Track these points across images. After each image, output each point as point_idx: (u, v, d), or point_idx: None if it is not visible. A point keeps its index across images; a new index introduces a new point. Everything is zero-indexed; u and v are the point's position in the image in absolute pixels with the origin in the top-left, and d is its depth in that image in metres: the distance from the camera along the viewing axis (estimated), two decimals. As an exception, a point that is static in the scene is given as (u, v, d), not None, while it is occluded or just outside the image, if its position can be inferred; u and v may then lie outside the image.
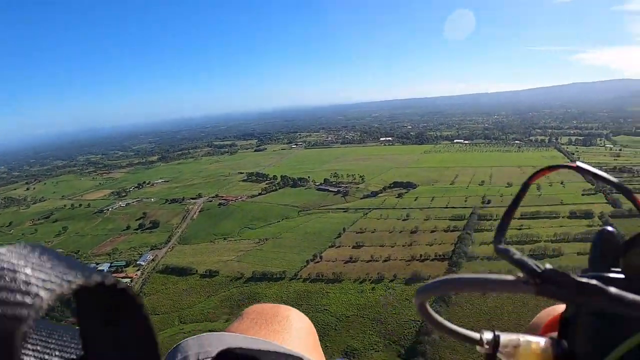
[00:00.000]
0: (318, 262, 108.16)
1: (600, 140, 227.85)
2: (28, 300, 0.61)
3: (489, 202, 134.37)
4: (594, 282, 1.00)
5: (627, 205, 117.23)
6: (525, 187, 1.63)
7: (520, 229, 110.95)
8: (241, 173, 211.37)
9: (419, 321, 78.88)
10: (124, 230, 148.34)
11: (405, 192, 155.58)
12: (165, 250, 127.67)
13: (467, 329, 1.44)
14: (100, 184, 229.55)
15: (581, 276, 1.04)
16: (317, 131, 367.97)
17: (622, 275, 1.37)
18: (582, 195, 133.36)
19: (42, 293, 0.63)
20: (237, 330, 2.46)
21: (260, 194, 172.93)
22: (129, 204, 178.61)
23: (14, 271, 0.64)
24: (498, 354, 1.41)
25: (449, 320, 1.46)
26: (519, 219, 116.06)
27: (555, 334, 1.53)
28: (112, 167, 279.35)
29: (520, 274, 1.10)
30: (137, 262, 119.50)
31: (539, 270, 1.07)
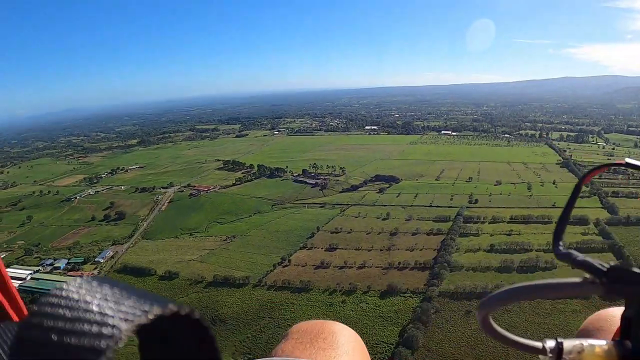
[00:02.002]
0: (286, 266, 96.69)
1: (592, 137, 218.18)
2: (106, 331, 0.62)
3: (476, 201, 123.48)
4: None
5: (623, 211, 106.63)
6: (577, 188, 1.63)
7: (509, 235, 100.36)
8: (218, 160, 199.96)
9: (392, 344, 68.39)
10: (88, 221, 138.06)
11: (388, 187, 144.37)
12: (127, 246, 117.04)
13: (529, 339, 1.40)
14: (74, 168, 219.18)
15: None
16: (302, 117, 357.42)
17: None
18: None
19: (120, 324, 0.65)
20: (284, 352, 2.45)
21: (234, 184, 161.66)
22: (98, 191, 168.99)
23: (89, 302, 0.65)
24: None
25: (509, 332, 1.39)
26: (508, 222, 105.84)
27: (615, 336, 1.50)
28: (91, 150, 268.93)
29: (587, 275, 1.10)
30: (96, 259, 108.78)
31: (604, 269, 1.07)
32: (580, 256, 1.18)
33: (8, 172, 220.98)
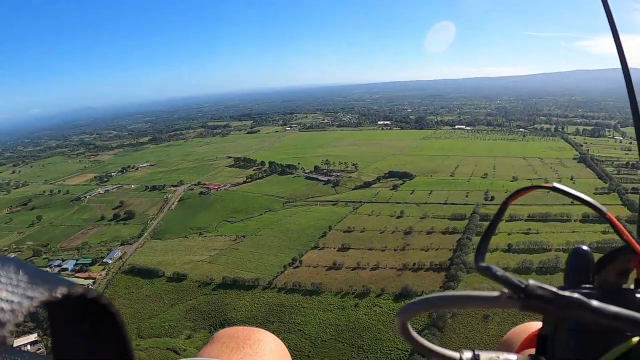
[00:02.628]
0: (297, 267, 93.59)
1: (609, 131, 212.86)
2: (6, 306, 0.59)
3: (492, 198, 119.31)
4: (576, 295, 1.02)
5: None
6: (503, 207, 1.59)
7: (527, 234, 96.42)
8: (229, 157, 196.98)
9: (407, 350, 64.97)
10: (98, 221, 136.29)
11: (401, 184, 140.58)
12: (136, 246, 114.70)
13: (449, 349, 1.42)
14: (85, 167, 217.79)
15: (562, 290, 1.06)
16: (314, 113, 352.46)
17: (596, 291, 1.44)
18: (595, 194, 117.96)
19: (23, 300, 0.61)
20: (209, 356, 2.43)
21: (245, 181, 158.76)
22: (108, 190, 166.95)
23: None
24: None
25: (430, 341, 1.42)
26: (526, 220, 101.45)
27: (532, 351, 1.52)
28: (102, 148, 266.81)
29: (505, 290, 1.11)
30: (104, 260, 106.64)
31: (523, 286, 1.08)
32: (500, 271, 1.20)
33: (20, 172, 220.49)
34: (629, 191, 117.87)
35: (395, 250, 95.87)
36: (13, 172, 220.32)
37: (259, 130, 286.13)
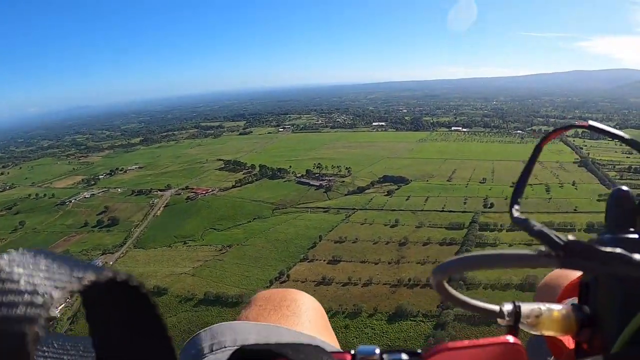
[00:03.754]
0: (284, 282, 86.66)
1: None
2: (38, 300, 0.58)
3: (491, 205, 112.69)
4: (618, 251, 0.96)
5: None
6: (538, 149, 1.55)
7: (530, 245, 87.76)
8: (220, 160, 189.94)
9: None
10: (81, 227, 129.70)
11: (396, 189, 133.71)
12: (117, 255, 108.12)
13: (487, 302, 1.40)
14: (74, 169, 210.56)
15: (603, 243, 1.03)
16: (309, 113, 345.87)
17: (638, 236, 1.31)
18: (598, 200, 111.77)
19: (52, 291, 0.61)
20: (248, 318, 2.48)
21: (234, 186, 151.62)
22: (94, 194, 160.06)
23: (19, 273, 0.61)
24: (520, 325, 1.36)
25: (468, 296, 1.39)
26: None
27: (574, 300, 1.48)
28: (93, 149, 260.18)
29: (543, 247, 1.05)
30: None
31: (562, 243, 1.02)
32: (538, 226, 1.12)
33: (8, 173, 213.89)
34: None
35: (389, 263, 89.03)
36: (2, 173, 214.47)
37: (251, 132, 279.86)
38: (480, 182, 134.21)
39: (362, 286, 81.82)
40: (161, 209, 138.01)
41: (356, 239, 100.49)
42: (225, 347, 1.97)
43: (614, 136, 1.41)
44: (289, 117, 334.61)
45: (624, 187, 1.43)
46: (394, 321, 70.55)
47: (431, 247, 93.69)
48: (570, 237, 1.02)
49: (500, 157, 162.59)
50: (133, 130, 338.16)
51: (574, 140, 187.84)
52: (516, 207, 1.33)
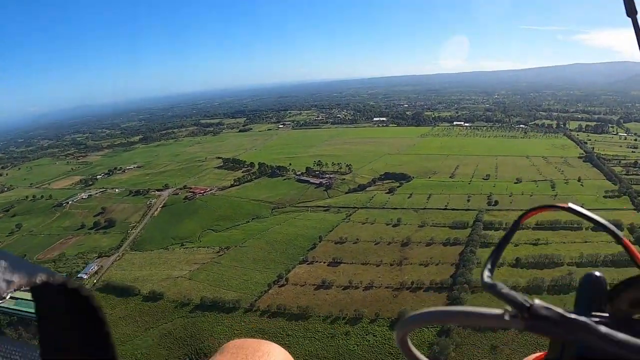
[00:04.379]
0: (283, 285, 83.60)
1: (612, 127, 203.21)
2: None
3: (495, 203, 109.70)
4: (583, 319, 0.98)
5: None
6: (515, 226, 1.57)
7: (536, 245, 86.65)
8: (219, 158, 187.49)
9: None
10: (78, 229, 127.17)
11: (398, 187, 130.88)
12: (114, 258, 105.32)
13: None
14: (72, 169, 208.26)
15: (571, 313, 1.02)
16: (309, 109, 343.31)
17: (607, 320, 1.35)
18: (605, 197, 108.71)
19: (1, 284, 0.63)
20: None
21: (232, 185, 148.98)
22: (91, 195, 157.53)
23: None
24: None
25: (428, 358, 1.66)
26: (533, 229, 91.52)
27: None
28: (93, 148, 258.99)
29: (509, 309, 1.06)
30: (79, 275, 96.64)
31: (528, 305, 1.03)
32: (506, 289, 1.13)
33: (7, 174, 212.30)
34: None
35: (391, 265, 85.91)
36: (0, 174, 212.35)
37: (251, 129, 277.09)
38: (483, 179, 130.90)
39: (363, 289, 78.69)
40: (159, 209, 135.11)
41: (357, 239, 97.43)
42: None
43: (591, 220, 1.44)
44: (289, 113, 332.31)
45: (597, 273, 1.46)
46: (397, 327, 67.49)
47: (434, 247, 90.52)
48: (537, 301, 1.03)
49: (503, 152, 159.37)
50: (133, 128, 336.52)
51: (577, 135, 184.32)
52: (487, 273, 1.35)
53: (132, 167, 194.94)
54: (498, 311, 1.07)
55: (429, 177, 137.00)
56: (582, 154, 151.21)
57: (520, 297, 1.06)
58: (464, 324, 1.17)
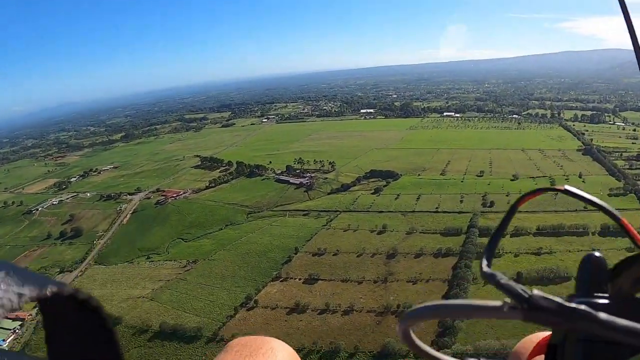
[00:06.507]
0: (252, 308, 72.53)
1: (608, 116, 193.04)
2: None
3: (491, 204, 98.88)
4: (583, 307, 0.95)
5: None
6: (512, 211, 1.55)
7: (538, 254, 75.93)
8: (197, 156, 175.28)
9: None
10: (44, 239, 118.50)
11: (384, 186, 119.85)
12: (76, 274, 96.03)
13: (451, 355, 1.37)
14: (49, 171, 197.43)
15: (570, 301, 0.99)
16: (295, 102, 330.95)
17: (609, 301, 1.33)
18: (609, 195, 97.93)
19: (12, 297, 0.62)
20: None
21: (208, 187, 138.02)
22: (62, 200, 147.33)
23: None
24: None
25: (432, 346, 1.40)
26: (534, 235, 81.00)
27: (541, 359, 1.49)
28: (74, 148, 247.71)
29: (508, 300, 1.05)
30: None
31: (526, 296, 1.01)
32: (505, 279, 1.10)
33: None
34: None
35: (375, 282, 74.68)
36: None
37: (234, 123, 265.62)
38: (477, 176, 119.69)
39: (342, 314, 67.47)
40: (128, 216, 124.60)
41: (337, 250, 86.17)
42: None
43: (589, 202, 1.42)
44: (275, 106, 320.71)
45: (597, 253, 1.43)
46: (379, 363, 56.15)
47: (424, 259, 79.35)
48: (536, 291, 1.01)
49: (497, 145, 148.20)
50: (117, 125, 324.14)
51: (573, 125, 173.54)
52: (485, 262, 1.33)
53: (108, 167, 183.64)
54: (497, 303, 1.06)
55: (418, 175, 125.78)
56: (581, 146, 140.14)
57: (519, 287, 1.04)
58: (463, 317, 1.21)
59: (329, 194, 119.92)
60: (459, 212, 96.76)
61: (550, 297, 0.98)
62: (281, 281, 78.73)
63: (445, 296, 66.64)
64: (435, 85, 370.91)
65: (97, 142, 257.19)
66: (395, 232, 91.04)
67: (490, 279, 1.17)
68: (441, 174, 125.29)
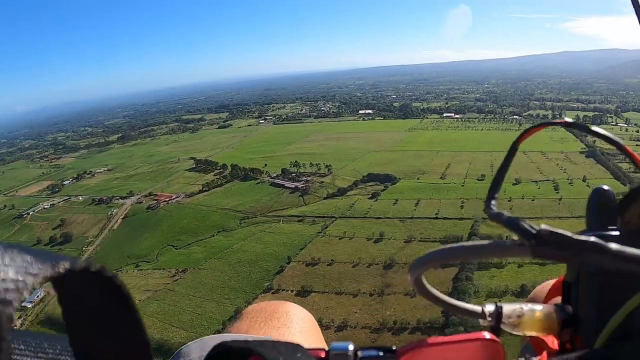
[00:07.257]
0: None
1: (611, 117, 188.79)
2: (10, 285, 0.58)
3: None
4: (593, 239, 0.91)
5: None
6: (514, 147, 1.56)
7: (543, 266, 71.12)
8: (192, 159, 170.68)
9: None
10: (34, 245, 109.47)
11: (382, 190, 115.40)
12: None
13: (467, 302, 1.40)
14: (44, 173, 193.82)
15: (579, 234, 0.95)
16: (293, 102, 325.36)
17: (619, 233, 1.31)
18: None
19: (26, 278, 0.61)
20: (239, 330, 2.46)
21: (201, 190, 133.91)
22: (53, 204, 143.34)
23: None
24: (502, 326, 1.32)
25: (449, 295, 1.37)
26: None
27: (558, 300, 1.47)
28: (70, 149, 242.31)
29: (516, 237, 1.02)
30: (24, 303, 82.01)
31: (534, 232, 0.97)
32: (511, 217, 1.10)
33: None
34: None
35: (371, 295, 70.41)
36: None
37: (231, 125, 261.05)
38: (478, 180, 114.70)
39: (335, 330, 62.89)
40: (119, 221, 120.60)
41: (332, 260, 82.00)
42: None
43: (591, 132, 1.42)
44: (273, 106, 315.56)
45: (605, 187, 1.41)
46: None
47: (423, 270, 74.82)
48: (543, 225, 0.97)
49: (498, 147, 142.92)
50: (115, 126, 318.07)
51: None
52: (493, 202, 1.32)
53: (102, 170, 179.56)
54: (505, 242, 1.05)
55: (418, 178, 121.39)
56: (584, 148, 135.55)
57: (525, 223, 1.01)
58: (472, 259, 1.18)
59: (325, 198, 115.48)
60: (460, 219, 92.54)
61: (559, 230, 0.95)
62: (272, 293, 74.43)
63: (446, 313, 62.53)
64: (435, 86, 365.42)
65: (94, 143, 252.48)
66: (392, 240, 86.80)
67: (497, 218, 1.17)
68: (441, 178, 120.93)
